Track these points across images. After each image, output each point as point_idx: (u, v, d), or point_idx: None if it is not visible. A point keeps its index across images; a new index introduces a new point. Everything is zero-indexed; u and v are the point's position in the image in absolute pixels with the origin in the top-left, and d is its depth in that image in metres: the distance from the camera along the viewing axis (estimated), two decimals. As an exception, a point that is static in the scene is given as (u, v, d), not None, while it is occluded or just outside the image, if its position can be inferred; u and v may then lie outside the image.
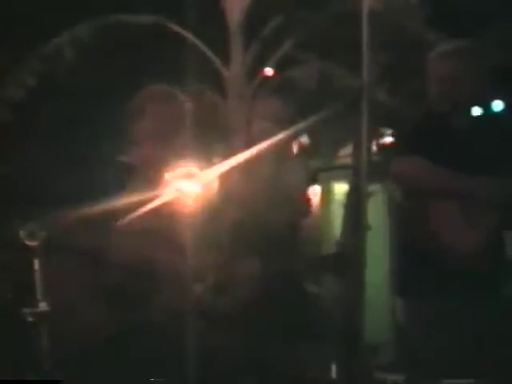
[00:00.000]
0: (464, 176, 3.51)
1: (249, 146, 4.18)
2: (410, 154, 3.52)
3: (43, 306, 3.00)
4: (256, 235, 4.06)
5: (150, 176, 3.33)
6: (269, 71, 8.41)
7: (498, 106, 9.07)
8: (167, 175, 3.21)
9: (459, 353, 3.56)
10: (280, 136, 4.13)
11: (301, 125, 4.43)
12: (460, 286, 3.48)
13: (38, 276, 3.01)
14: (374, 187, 4.21)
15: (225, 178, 3.84)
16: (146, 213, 3.21)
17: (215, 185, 3.57)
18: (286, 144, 4.28)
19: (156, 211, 3.21)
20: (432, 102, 3.61)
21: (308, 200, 4.50)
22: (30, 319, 3.00)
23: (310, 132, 5.15)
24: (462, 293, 3.49)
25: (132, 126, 3.54)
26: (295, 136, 4.61)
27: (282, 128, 4.16)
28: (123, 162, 3.61)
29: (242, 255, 3.83)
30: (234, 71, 8.36)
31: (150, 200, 3.22)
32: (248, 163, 4.12)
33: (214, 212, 3.50)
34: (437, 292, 3.53)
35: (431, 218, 3.54)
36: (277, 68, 8.44)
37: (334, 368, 5.47)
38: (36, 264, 3.01)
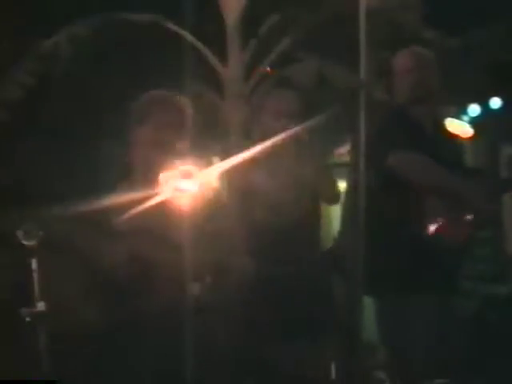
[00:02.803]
0: (454, 175, 3.72)
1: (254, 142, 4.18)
2: (389, 149, 3.78)
3: (41, 305, 2.99)
4: (270, 232, 4.04)
5: (148, 176, 3.34)
6: (266, 70, 8.39)
7: (496, 103, 9.07)
8: (166, 175, 3.21)
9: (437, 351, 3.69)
10: (292, 131, 4.11)
11: (304, 124, 4.42)
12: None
13: (35, 276, 3.00)
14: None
15: (235, 174, 3.82)
16: (144, 212, 3.21)
17: (220, 183, 3.60)
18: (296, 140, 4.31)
19: (153, 210, 3.21)
20: (397, 96, 4.26)
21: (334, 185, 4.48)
22: (28, 319, 3.00)
23: (308, 130, 5.14)
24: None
25: (132, 129, 3.61)
26: (294, 135, 4.61)
27: (297, 123, 4.18)
28: (123, 162, 3.61)
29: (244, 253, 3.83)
30: (231, 70, 8.33)
31: (148, 199, 3.21)
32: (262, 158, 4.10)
33: (220, 209, 3.51)
34: (414, 289, 3.69)
35: (420, 210, 3.73)
36: (274, 66, 8.42)
37: (333, 368, 5.45)
38: (34, 264, 3.00)
